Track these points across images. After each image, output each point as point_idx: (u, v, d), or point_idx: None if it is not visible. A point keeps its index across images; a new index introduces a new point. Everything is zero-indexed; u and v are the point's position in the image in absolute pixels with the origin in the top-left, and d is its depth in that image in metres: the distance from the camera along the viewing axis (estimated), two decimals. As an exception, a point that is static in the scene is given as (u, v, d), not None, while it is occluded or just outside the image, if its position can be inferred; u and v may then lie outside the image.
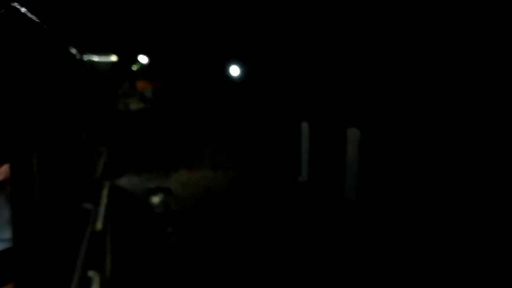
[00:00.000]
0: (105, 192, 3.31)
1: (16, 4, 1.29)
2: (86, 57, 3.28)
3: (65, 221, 1.89)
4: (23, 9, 1.37)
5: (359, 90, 9.84)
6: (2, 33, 1.19)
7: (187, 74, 26.76)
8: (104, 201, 3.01)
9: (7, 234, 2.17)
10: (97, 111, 4.85)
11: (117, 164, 9.72)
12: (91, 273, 1.76)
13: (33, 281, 1.42)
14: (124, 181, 11.34)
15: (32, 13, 1.56)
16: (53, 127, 1.91)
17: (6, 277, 1.95)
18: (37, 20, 1.63)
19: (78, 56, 2.89)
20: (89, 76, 3.66)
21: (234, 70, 18.06)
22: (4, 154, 1.32)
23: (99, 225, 2.34)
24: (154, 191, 8.67)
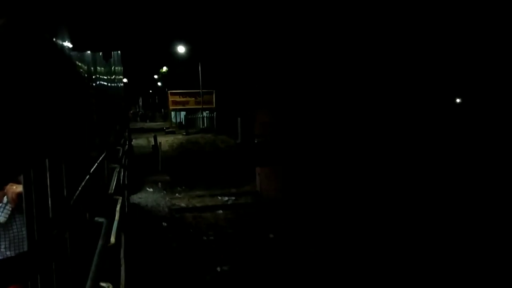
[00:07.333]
0: (118, 207, 3.36)
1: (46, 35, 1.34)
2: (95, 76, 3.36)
3: (78, 233, 1.92)
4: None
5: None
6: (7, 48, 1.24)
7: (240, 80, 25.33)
8: (117, 215, 3.05)
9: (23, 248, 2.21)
10: (107, 127, 4.93)
11: (131, 181, 9.88)
12: (104, 284, 1.79)
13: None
14: (138, 197, 11.53)
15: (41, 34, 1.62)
16: (65, 142, 1.96)
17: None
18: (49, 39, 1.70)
19: (86, 76, 2.98)
20: (98, 93, 3.74)
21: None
22: (18, 167, 1.36)
23: (112, 239, 2.38)
24: None
